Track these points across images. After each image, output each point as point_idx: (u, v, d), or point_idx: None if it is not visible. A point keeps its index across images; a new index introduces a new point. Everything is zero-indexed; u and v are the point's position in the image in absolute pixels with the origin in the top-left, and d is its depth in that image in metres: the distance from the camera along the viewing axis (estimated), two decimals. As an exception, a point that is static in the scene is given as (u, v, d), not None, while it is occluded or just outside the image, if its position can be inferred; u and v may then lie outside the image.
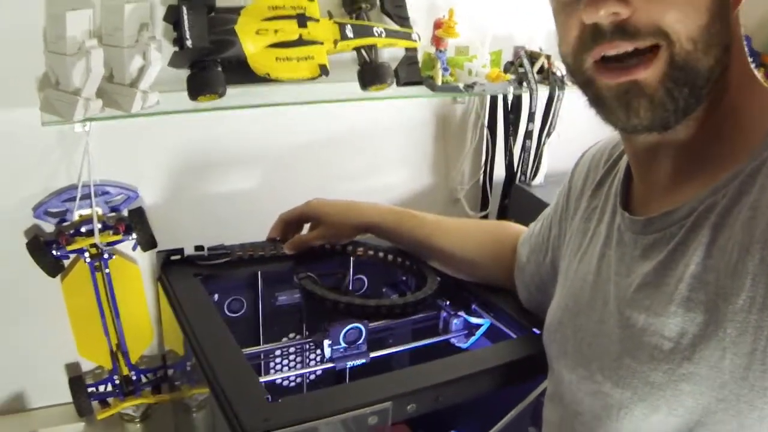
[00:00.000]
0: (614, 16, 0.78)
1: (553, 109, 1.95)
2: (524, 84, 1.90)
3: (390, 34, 1.70)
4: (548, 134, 1.99)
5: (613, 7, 0.77)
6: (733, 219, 0.78)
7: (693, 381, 0.79)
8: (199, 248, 1.50)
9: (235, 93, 1.55)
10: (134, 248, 1.60)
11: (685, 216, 0.85)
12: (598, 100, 0.86)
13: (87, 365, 1.68)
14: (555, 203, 1.27)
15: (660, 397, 0.83)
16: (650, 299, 0.86)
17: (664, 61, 0.79)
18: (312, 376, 1.61)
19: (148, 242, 1.58)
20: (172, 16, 1.49)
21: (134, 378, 1.64)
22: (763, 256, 0.73)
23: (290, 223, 1.52)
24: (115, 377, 1.63)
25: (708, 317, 0.78)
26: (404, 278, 1.65)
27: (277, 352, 1.50)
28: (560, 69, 1.94)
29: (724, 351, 0.76)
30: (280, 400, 1.05)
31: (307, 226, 1.54)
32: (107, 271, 1.56)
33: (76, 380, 1.61)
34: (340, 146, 1.86)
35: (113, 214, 1.59)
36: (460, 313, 1.42)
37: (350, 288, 1.59)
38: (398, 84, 1.73)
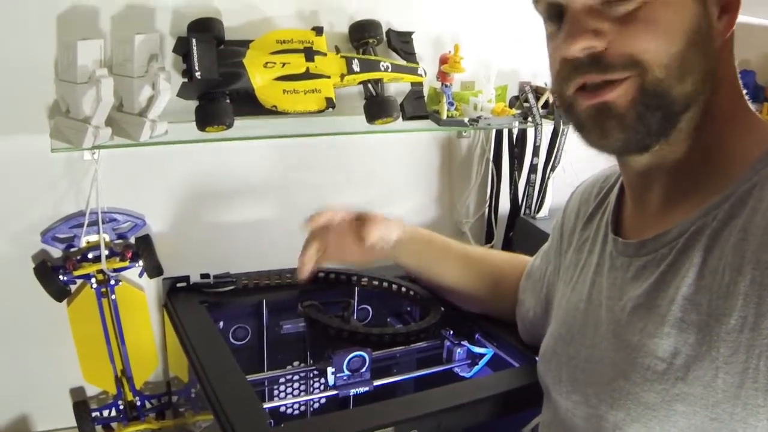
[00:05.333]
0: (589, 50, 0.83)
1: (557, 143, 1.96)
2: (529, 118, 1.91)
3: (396, 68, 1.72)
4: (553, 168, 2.00)
5: (586, 44, 0.82)
6: (724, 241, 0.80)
7: (686, 401, 0.80)
8: (204, 276, 1.51)
9: (242, 125, 1.57)
10: (140, 275, 1.61)
11: (676, 237, 0.87)
12: (578, 124, 0.90)
13: (92, 390, 1.69)
14: (551, 238, 1.29)
15: (653, 418, 0.83)
16: (643, 321, 0.87)
17: (634, 86, 0.83)
18: (316, 404, 1.61)
19: (154, 269, 1.59)
20: (182, 48, 1.52)
21: (138, 404, 1.64)
22: (754, 277, 0.74)
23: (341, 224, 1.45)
24: (120, 402, 1.63)
25: (701, 337, 0.79)
26: (409, 308, 1.65)
27: (281, 380, 1.51)
28: (565, 104, 1.95)
29: (717, 370, 0.77)
30: (282, 425, 1.06)
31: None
32: (113, 297, 1.56)
33: (81, 405, 1.60)
34: (345, 179, 1.88)
35: (120, 241, 1.60)
36: (463, 343, 1.43)
37: (355, 317, 1.59)
38: (404, 118, 1.74)
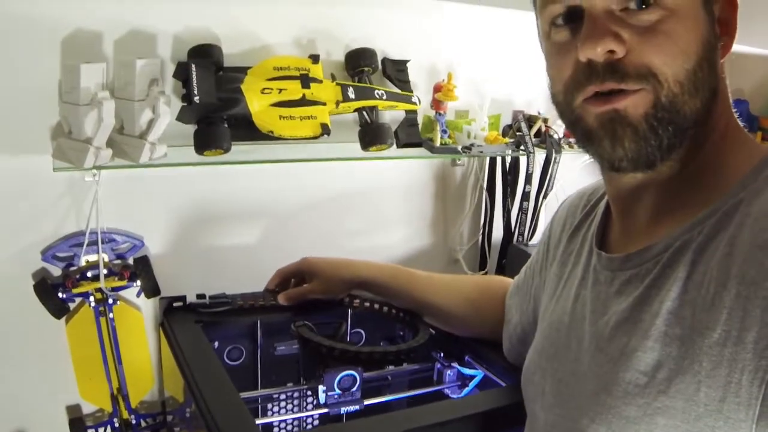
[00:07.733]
0: (609, 54, 0.82)
1: (550, 171, 2.00)
2: (522, 147, 1.94)
3: (391, 96, 1.75)
4: (545, 195, 2.03)
5: (609, 45, 0.81)
6: (709, 255, 0.80)
7: (668, 414, 0.79)
8: (201, 296, 1.53)
9: (239, 149, 1.60)
10: (138, 295, 1.63)
11: (661, 252, 0.86)
12: (586, 134, 0.89)
13: (88, 407, 1.70)
14: (536, 252, 1.28)
15: (635, 431, 0.83)
16: (627, 336, 0.87)
17: (647, 100, 0.82)
18: (309, 427, 1.62)
19: (151, 289, 1.62)
20: (182, 73, 1.56)
21: (134, 422, 1.65)
22: (739, 291, 0.74)
23: (286, 277, 1.55)
24: (115, 420, 1.64)
25: (684, 351, 0.79)
26: (401, 333, 1.67)
27: (274, 397, 1.52)
28: (557, 132, 1.99)
29: (699, 384, 0.77)
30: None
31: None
32: (111, 315, 1.58)
33: (77, 422, 1.62)
34: (340, 204, 1.90)
35: (119, 261, 1.63)
36: (453, 365, 1.45)
37: (347, 339, 1.61)
38: (398, 145, 1.77)
